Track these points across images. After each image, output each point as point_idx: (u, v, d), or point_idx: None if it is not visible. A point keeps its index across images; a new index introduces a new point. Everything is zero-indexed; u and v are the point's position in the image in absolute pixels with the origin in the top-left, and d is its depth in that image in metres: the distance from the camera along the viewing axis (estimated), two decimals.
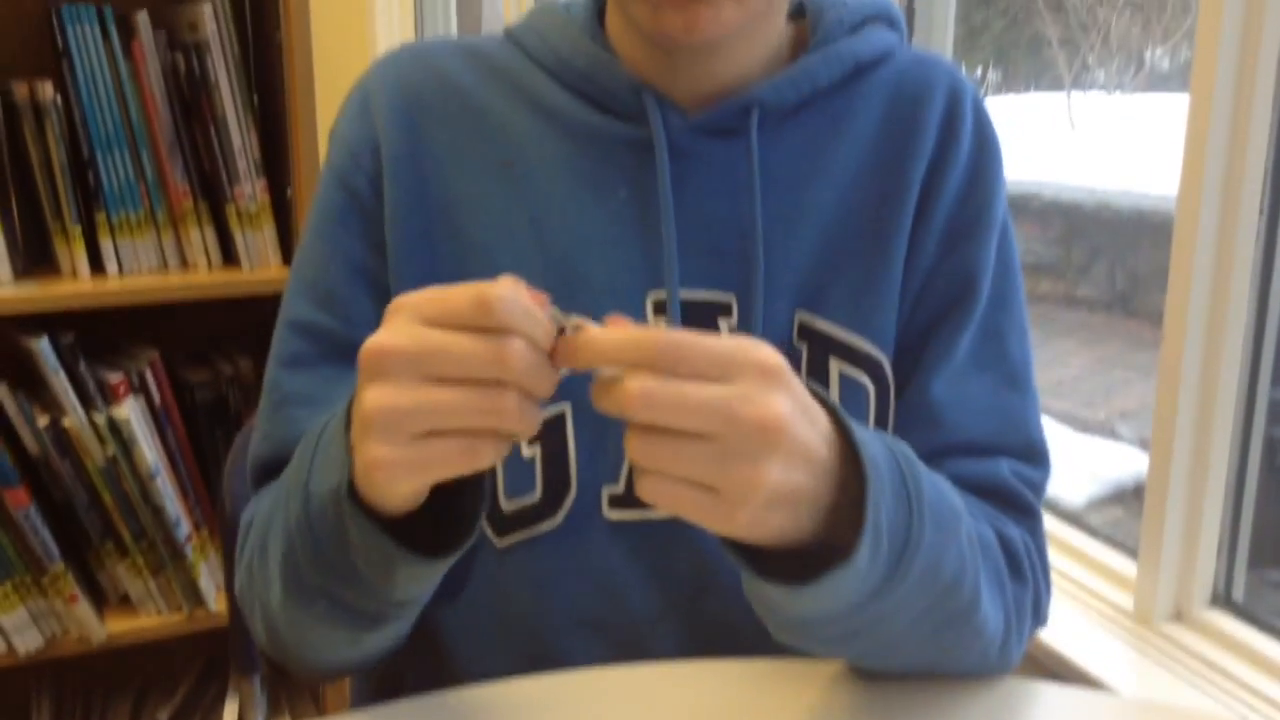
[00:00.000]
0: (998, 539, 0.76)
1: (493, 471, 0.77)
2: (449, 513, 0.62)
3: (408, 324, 0.54)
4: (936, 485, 0.66)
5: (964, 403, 0.80)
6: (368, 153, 0.80)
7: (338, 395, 0.78)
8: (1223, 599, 1.21)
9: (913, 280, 0.81)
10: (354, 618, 0.67)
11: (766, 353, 0.55)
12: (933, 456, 0.78)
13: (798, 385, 0.56)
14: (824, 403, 0.60)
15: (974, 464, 0.79)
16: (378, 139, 0.80)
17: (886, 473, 0.60)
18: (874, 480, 0.58)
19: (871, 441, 0.60)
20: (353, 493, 0.59)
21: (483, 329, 0.53)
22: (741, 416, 0.53)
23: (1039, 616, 0.81)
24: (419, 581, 0.64)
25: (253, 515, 0.79)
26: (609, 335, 0.53)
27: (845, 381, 0.79)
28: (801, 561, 0.59)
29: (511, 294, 0.53)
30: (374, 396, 0.54)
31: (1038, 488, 0.82)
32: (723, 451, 0.53)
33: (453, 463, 0.54)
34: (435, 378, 0.53)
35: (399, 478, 0.55)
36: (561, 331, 0.54)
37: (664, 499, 0.54)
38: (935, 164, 0.81)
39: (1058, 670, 1.21)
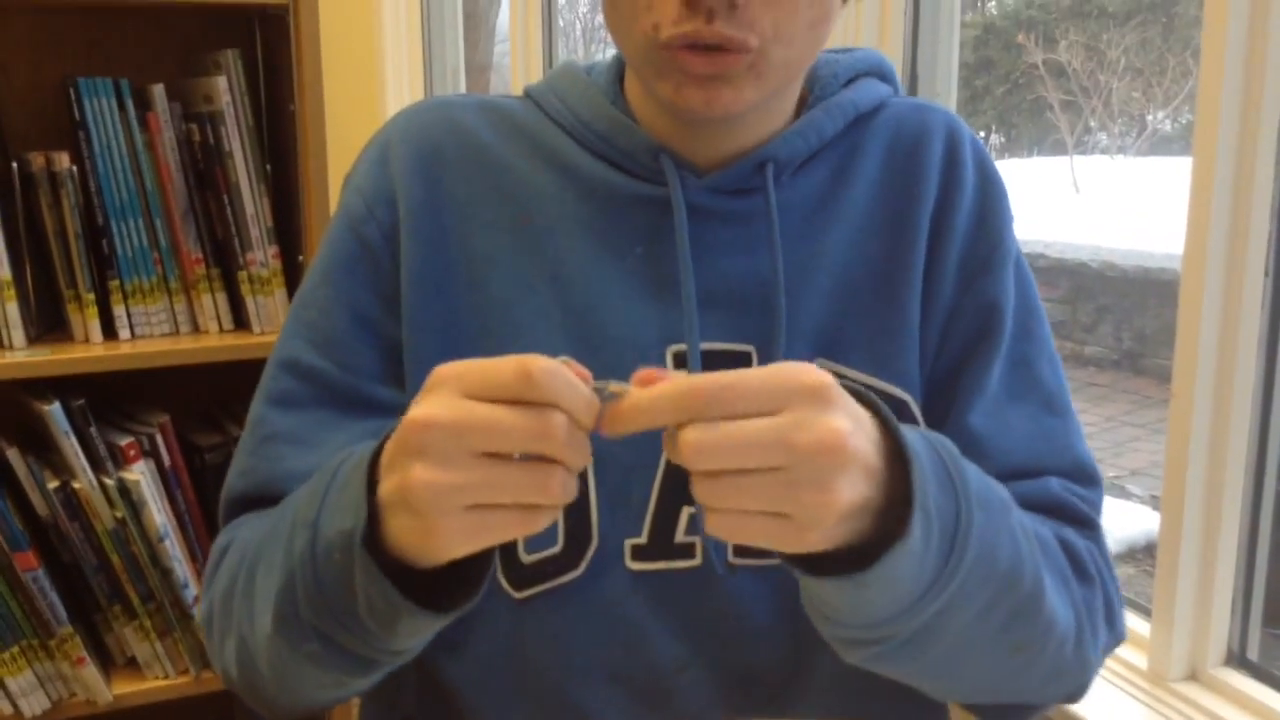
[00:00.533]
0: (1058, 541, 0.75)
1: None
2: (457, 570, 0.62)
3: (450, 396, 0.54)
4: (981, 475, 0.66)
5: (1004, 431, 0.80)
6: (383, 204, 0.81)
7: (326, 440, 0.78)
8: (1237, 658, 1.19)
9: (933, 320, 0.82)
10: (345, 661, 0.66)
11: (810, 373, 0.55)
12: None
13: (846, 397, 0.57)
14: (864, 401, 0.60)
15: (1023, 486, 0.78)
16: (395, 191, 0.81)
17: (928, 460, 0.60)
18: (917, 465, 0.59)
19: (910, 433, 0.61)
20: (366, 540, 0.59)
21: (525, 402, 0.53)
22: (801, 444, 0.53)
23: (1114, 626, 0.79)
24: (419, 634, 0.64)
25: (228, 542, 0.78)
26: (653, 395, 0.53)
27: None
28: (855, 559, 0.58)
29: (555, 366, 0.53)
30: (419, 474, 0.54)
31: (1093, 504, 0.81)
32: (790, 480, 0.53)
33: (509, 530, 0.55)
34: (479, 452, 0.53)
35: (457, 544, 0.56)
36: (600, 398, 0.54)
37: (737, 533, 0.55)
38: (941, 205, 0.83)
39: None
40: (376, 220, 0.81)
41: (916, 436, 0.61)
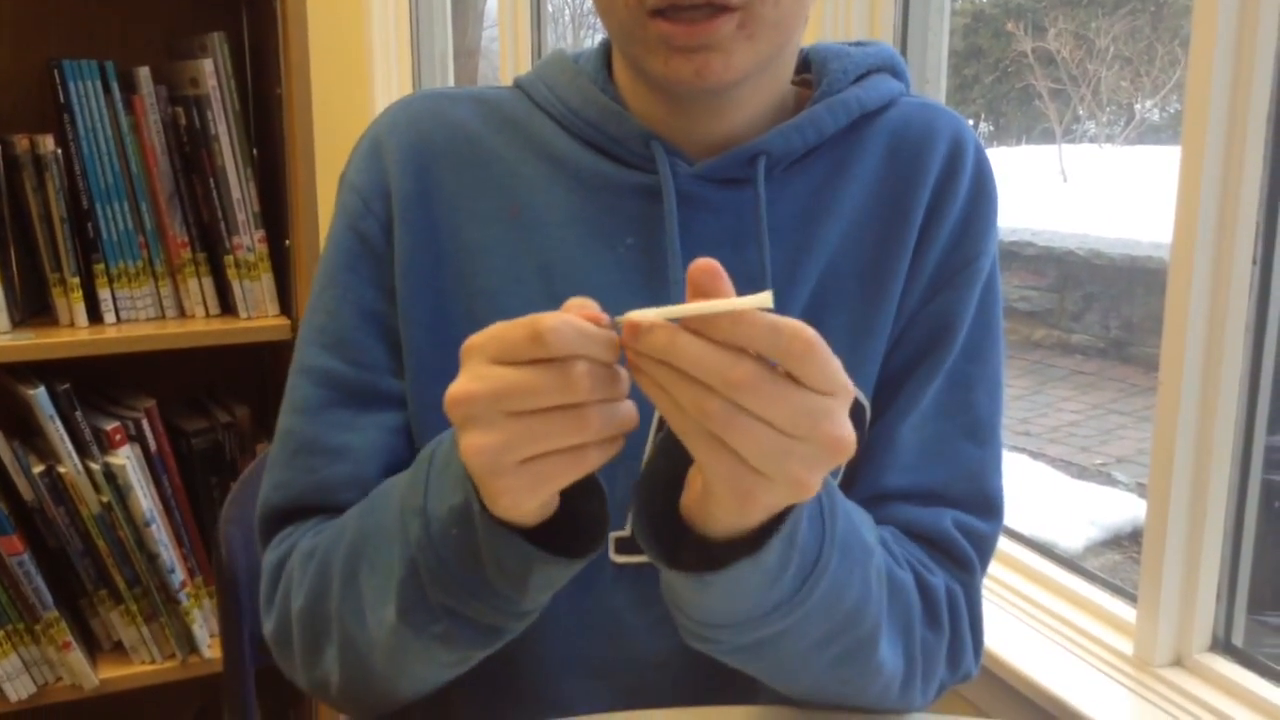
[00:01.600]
0: (917, 585, 0.77)
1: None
2: (571, 520, 0.64)
3: (479, 365, 0.56)
4: (851, 518, 0.68)
5: (919, 448, 0.81)
6: (378, 198, 0.81)
7: (349, 443, 0.79)
8: (1222, 644, 1.20)
9: (898, 323, 0.82)
10: (475, 634, 0.68)
11: (845, 376, 0.56)
12: (879, 497, 0.80)
13: None
14: None
15: (918, 511, 0.81)
16: (388, 184, 0.81)
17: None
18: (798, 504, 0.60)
19: None
20: (482, 504, 0.61)
21: (545, 360, 0.54)
22: (823, 430, 0.54)
23: (957, 667, 0.81)
24: (551, 586, 0.65)
25: (284, 556, 0.78)
26: (764, 318, 0.53)
27: None
28: (708, 559, 0.60)
29: (561, 321, 0.54)
30: (468, 442, 0.56)
31: (984, 540, 0.83)
32: (790, 449, 0.54)
33: (567, 473, 0.56)
34: (516, 412, 0.54)
35: (523, 499, 0.57)
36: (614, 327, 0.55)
37: (716, 463, 0.55)
38: (932, 210, 0.82)
39: (1058, 715, 1.20)
40: (374, 214, 0.81)
41: None
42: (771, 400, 0.53)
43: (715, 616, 0.64)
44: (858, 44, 0.87)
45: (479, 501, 0.61)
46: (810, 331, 0.53)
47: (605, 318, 0.55)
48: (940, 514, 0.81)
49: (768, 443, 0.54)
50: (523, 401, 0.54)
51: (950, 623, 0.79)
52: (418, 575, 0.66)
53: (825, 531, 0.64)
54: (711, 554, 0.61)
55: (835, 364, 0.54)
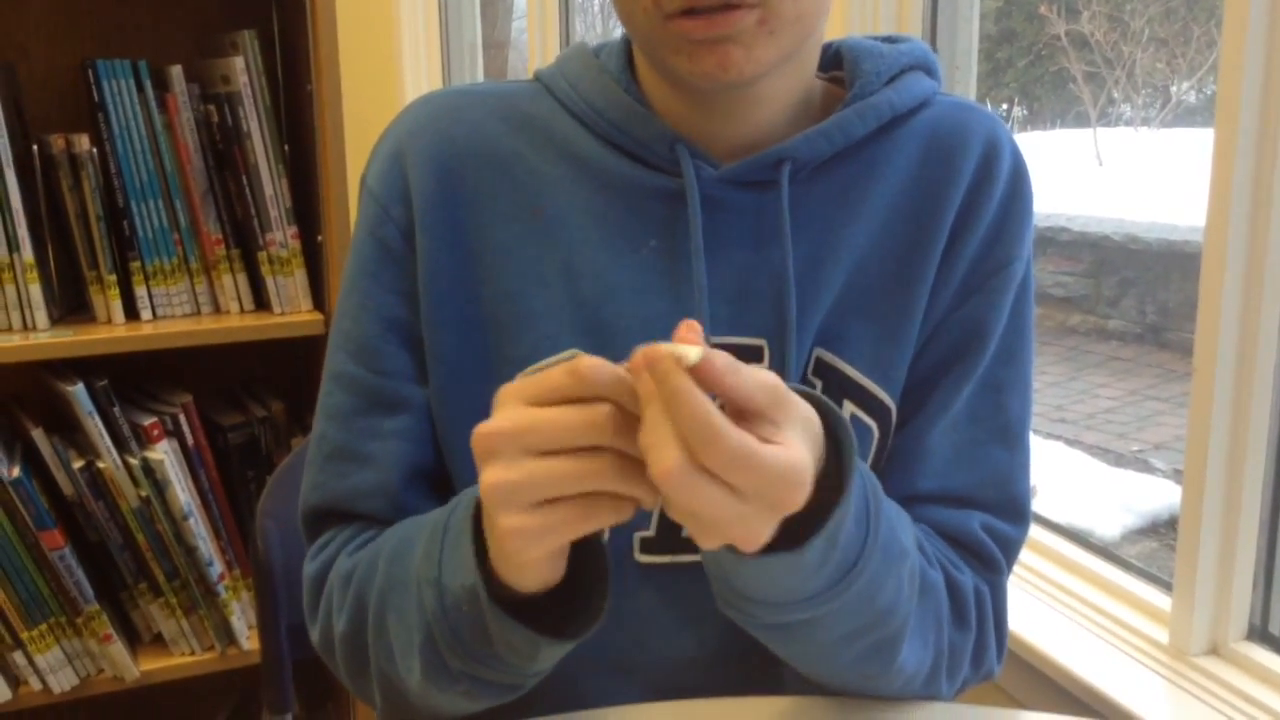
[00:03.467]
0: (946, 584, 0.78)
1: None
2: (579, 591, 0.65)
3: (511, 407, 0.57)
4: (891, 522, 0.68)
5: (951, 453, 0.81)
6: (398, 202, 0.81)
7: (375, 450, 0.80)
8: (1258, 632, 1.19)
9: (926, 326, 0.82)
10: (496, 691, 0.70)
11: (809, 412, 0.57)
12: (910, 499, 0.80)
13: (817, 443, 0.59)
14: (828, 421, 0.61)
15: (947, 512, 0.81)
16: (408, 188, 0.80)
17: (856, 501, 0.62)
18: (844, 505, 0.61)
19: (858, 473, 0.62)
20: (489, 587, 0.62)
21: (579, 399, 0.55)
22: (782, 497, 0.55)
23: (980, 666, 0.82)
24: (561, 654, 0.67)
25: (324, 566, 0.80)
26: (750, 374, 0.55)
27: (855, 423, 0.80)
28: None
29: (600, 362, 0.55)
30: (487, 476, 0.56)
31: (1011, 544, 0.83)
32: (744, 514, 0.55)
33: (574, 523, 0.57)
34: (539, 451, 0.55)
35: (529, 544, 0.58)
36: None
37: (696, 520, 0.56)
38: (964, 213, 0.81)
39: (1093, 705, 1.19)
40: (393, 220, 0.81)
41: (859, 477, 0.63)
42: (748, 467, 0.53)
43: (750, 591, 0.65)
44: (889, 39, 0.86)
45: (485, 588, 0.62)
46: (784, 388, 0.55)
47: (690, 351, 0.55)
48: (969, 516, 0.81)
49: (726, 502, 0.54)
50: (547, 439, 0.55)
51: (977, 622, 0.80)
52: (434, 643, 0.68)
53: (869, 534, 0.64)
54: None
55: (797, 412, 0.56)
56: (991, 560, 0.82)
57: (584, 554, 0.65)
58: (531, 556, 0.59)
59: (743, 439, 0.53)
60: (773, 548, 0.59)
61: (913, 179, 0.82)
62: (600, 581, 0.66)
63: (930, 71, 0.85)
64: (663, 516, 0.78)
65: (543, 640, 0.63)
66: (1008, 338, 0.83)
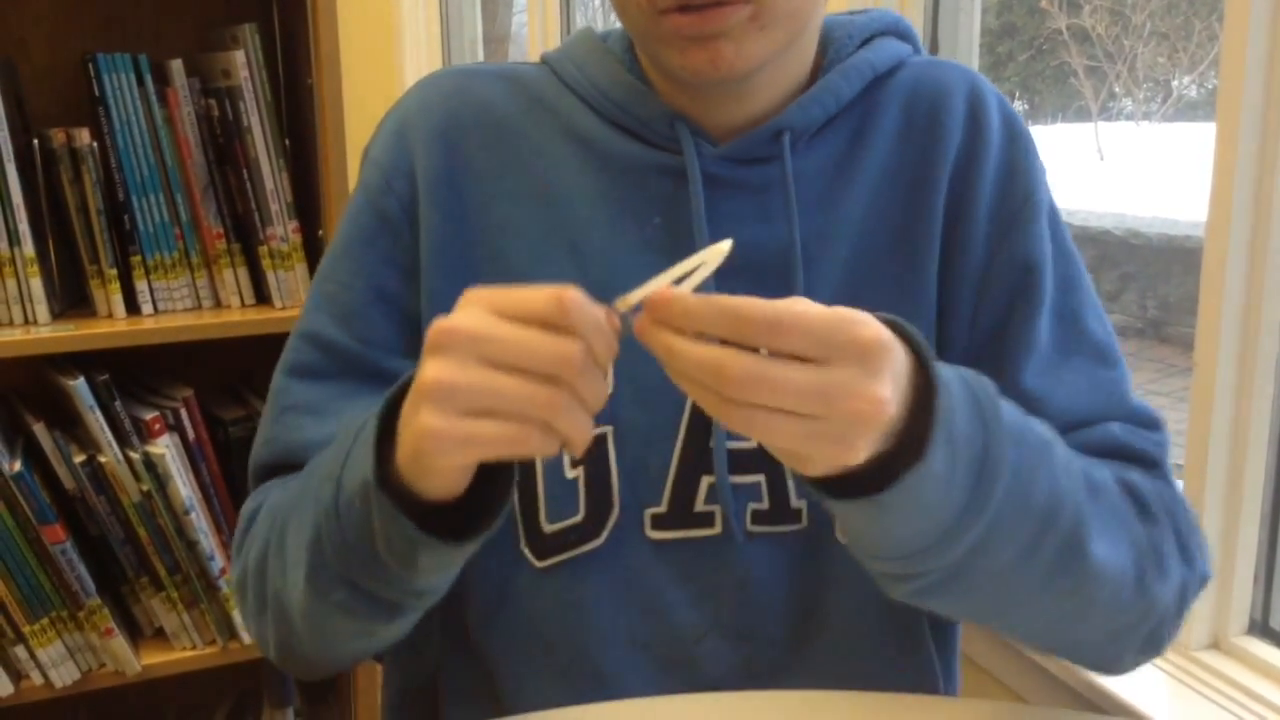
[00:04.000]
0: (1119, 483, 0.74)
1: (526, 473, 0.78)
2: (477, 503, 0.63)
3: (478, 310, 0.55)
4: (1020, 414, 0.66)
5: (1060, 389, 0.79)
6: (402, 177, 0.81)
7: (343, 409, 0.80)
8: (1259, 627, 1.19)
9: (965, 280, 0.81)
10: (372, 607, 0.68)
11: (867, 327, 0.54)
12: None
13: (892, 355, 0.56)
14: (902, 333, 0.59)
15: (1084, 435, 0.78)
16: (413, 163, 0.81)
17: (958, 391, 0.60)
18: (943, 395, 0.58)
19: (944, 368, 0.61)
20: (381, 482, 0.61)
21: (552, 328, 0.54)
22: (840, 406, 0.53)
23: (1192, 564, 0.76)
24: (439, 570, 0.65)
25: (256, 506, 0.80)
26: (705, 301, 0.53)
27: None
28: (876, 480, 0.58)
29: (586, 300, 0.54)
30: (434, 369, 0.55)
31: (1159, 444, 0.80)
32: (817, 431, 0.54)
33: (500, 444, 0.55)
34: (495, 363, 0.54)
35: (446, 450, 0.56)
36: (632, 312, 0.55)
37: (759, 432, 0.55)
38: (963, 163, 0.82)
39: (1094, 699, 1.19)
40: (395, 193, 0.81)
41: (949, 371, 0.61)
42: (773, 388, 0.52)
43: (907, 543, 0.62)
44: (858, 12, 0.87)
45: (375, 477, 0.61)
46: (771, 307, 0.53)
47: (617, 322, 0.55)
48: (1107, 428, 0.79)
49: (787, 428, 0.53)
50: (508, 353, 0.54)
51: (1166, 515, 0.75)
52: (321, 541, 0.66)
53: (986, 423, 0.61)
54: (857, 479, 0.59)
55: (817, 322, 0.53)
56: (1150, 458, 0.79)
57: (489, 472, 0.62)
58: (446, 464, 0.58)
59: (753, 356, 0.52)
60: (894, 476, 0.57)
61: (900, 140, 0.82)
62: (499, 501, 0.64)
63: (901, 35, 0.85)
64: (673, 491, 0.78)
65: (420, 538, 0.61)
66: (1060, 267, 0.82)
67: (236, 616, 1.56)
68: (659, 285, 0.55)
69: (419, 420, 0.56)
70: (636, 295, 0.55)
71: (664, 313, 0.54)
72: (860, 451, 0.55)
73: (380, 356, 0.81)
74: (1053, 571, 0.66)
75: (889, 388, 0.55)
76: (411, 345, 0.81)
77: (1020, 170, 0.82)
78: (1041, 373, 0.80)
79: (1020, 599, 0.68)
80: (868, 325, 0.55)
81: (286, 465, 0.80)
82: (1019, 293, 0.81)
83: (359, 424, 0.67)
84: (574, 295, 0.54)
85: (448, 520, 0.62)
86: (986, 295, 0.81)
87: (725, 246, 0.54)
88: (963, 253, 0.81)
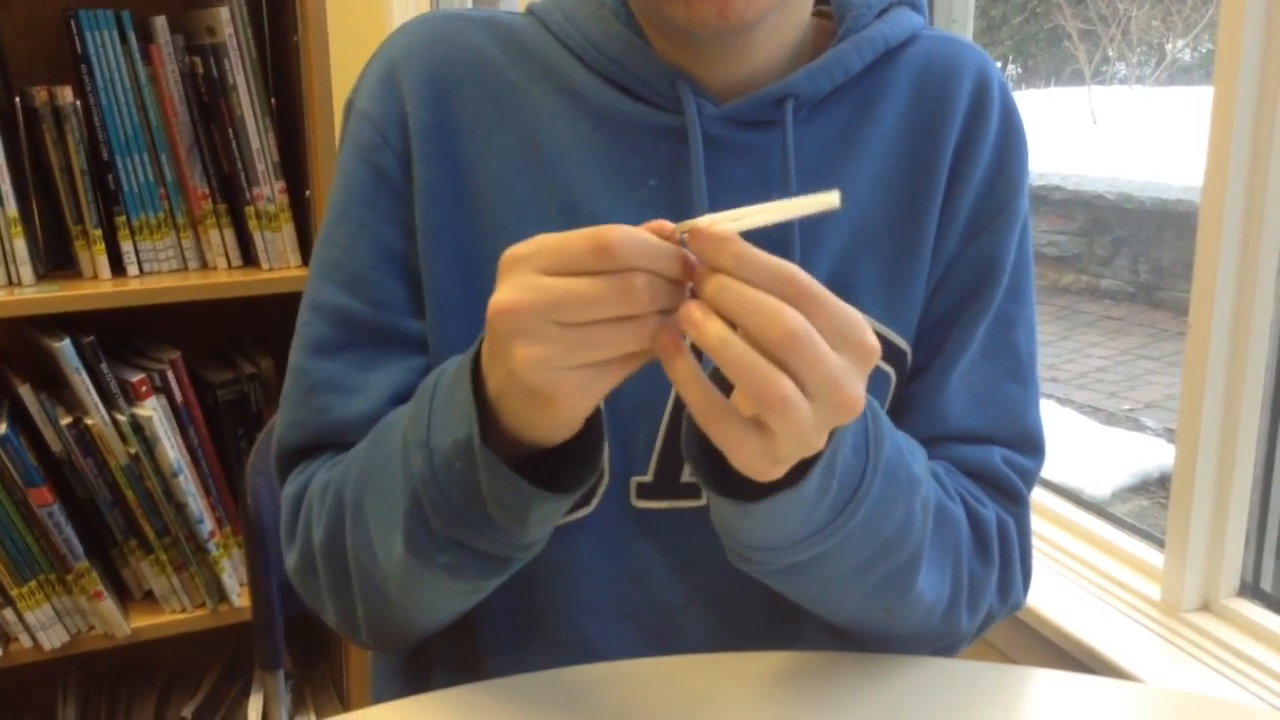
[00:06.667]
0: (969, 517, 0.78)
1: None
2: (570, 455, 0.64)
3: (526, 276, 0.55)
4: (899, 450, 0.68)
5: (969, 393, 0.82)
6: (395, 128, 0.78)
7: (366, 381, 0.78)
8: (1250, 588, 1.19)
9: (936, 267, 0.81)
10: (481, 564, 0.68)
11: (870, 335, 0.55)
12: (932, 440, 0.80)
13: None
14: None
15: (968, 449, 0.81)
16: (404, 113, 0.78)
17: (852, 426, 0.62)
18: (839, 433, 0.61)
19: None
20: (484, 441, 0.61)
21: (604, 271, 0.53)
22: (843, 393, 0.54)
23: (1006, 597, 0.82)
24: (550, 520, 0.66)
25: (301, 489, 0.78)
26: (760, 257, 0.53)
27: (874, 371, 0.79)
28: (750, 489, 0.61)
29: (628, 232, 0.53)
30: (522, 353, 0.55)
31: (1030, 475, 0.84)
32: (818, 418, 0.54)
33: (618, 373, 0.56)
34: (571, 323, 0.54)
35: (584, 397, 0.57)
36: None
37: (733, 446, 0.55)
38: (962, 149, 0.81)
39: (1085, 660, 1.20)
40: (391, 146, 0.78)
41: None
42: (815, 354, 0.52)
43: (758, 540, 0.65)
44: None
45: (480, 438, 0.61)
46: (811, 279, 0.53)
47: (672, 227, 0.54)
48: (990, 451, 0.82)
49: (802, 411, 0.53)
50: (581, 313, 0.53)
51: (1001, 554, 0.80)
52: (421, 508, 0.66)
53: (869, 459, 0.64)
54: (739, 483, 0.61)
55: (841, 311, 0.54)
56: (1014, 492, 0.82)
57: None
58: (587, 406, 0.58)
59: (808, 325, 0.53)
60: (772, 489, 0.59)
61: (908, 116, 0.81)
62: (593, 449, 0.65)
63: (915, 6, 0.84)
64: (660, 460, 0.78)
65: (533, 492, 0.62)
66: (1014, 274, 0.83)
67: (226, 579, 1.56)
68: (730, 216, 0.54)
69: (546, 391, 0.56)
70: (705, 220, 0.54)
71: (714, 250, 0.53)
72: (821, 443, 0.56)
73: (396, 318, 0.79)
74: (879, 588, 0.71)
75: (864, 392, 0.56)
76: (421, 305, 0.79)
77: (1009, 173, 0.82)
78: (962, 374, 0.81)
79: (840, 601, 0.73)
80: (869, 330, 0.55)
81: (320, 446, 0.79)
82: (974, 293, 0.82)
83: (429, 388, 0.66)
84: (615, 235, 0.53)
85: (546, 471, 0.62)
86: (944, 289, 0.82)
87: (834, 199, 0.54)
88: (942, 240, 0.81)
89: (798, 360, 0.52)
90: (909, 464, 0.69)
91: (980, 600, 0.79)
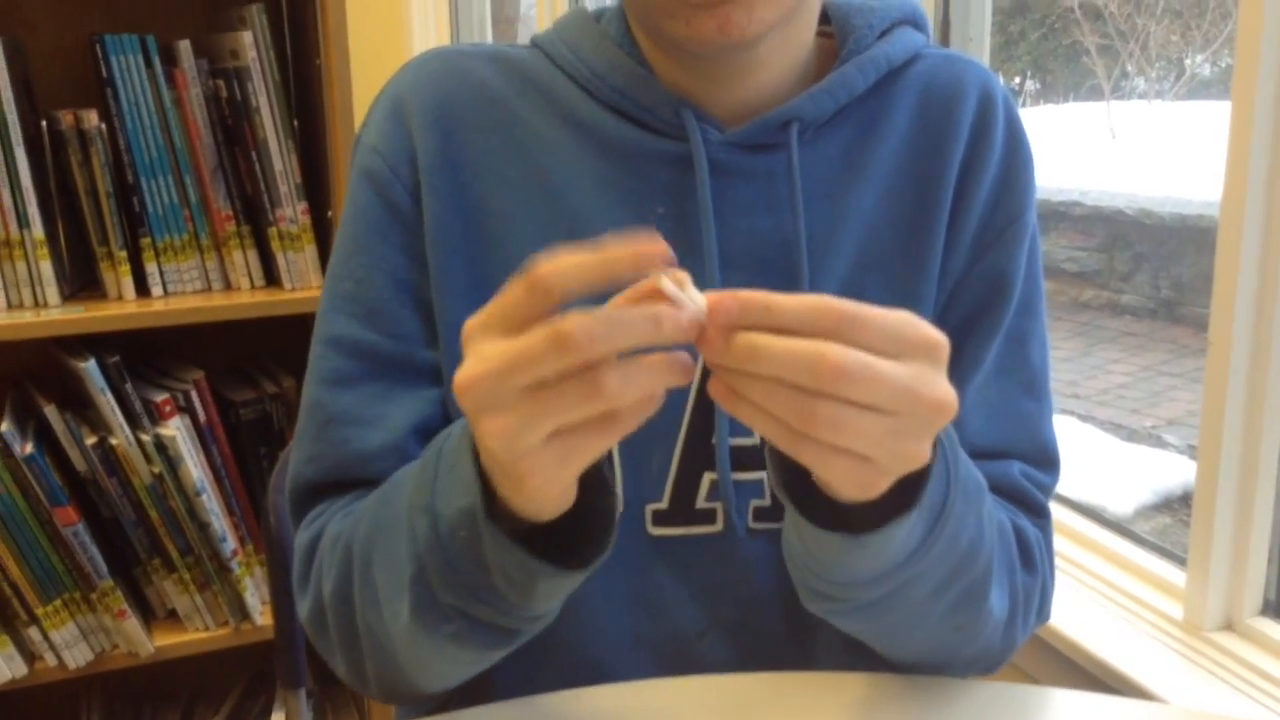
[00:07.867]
0: (1013, 528, 0.78)
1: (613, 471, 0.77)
2: (583, 524, 0.62)
3: (482, 344, 0.52)
4: (967, 461, 0.67)
5: (986, 410, 0.81)
6: (405, 162, 0.79)
7: (385, 413, 0.78)
8: (1274, 607, 1.18)
9: (945, 283, 0.81)
10: (488, 635, 0.66)
11: (929, 328, 0.54)
12: None
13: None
14: None
15: (988, 466, 0.80)
16: (414, 148, 0.79)
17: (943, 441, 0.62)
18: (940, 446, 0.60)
19: None
20: (488, 512, 0.59)
21: (544, 313, 0.50)
22: (924, 397, 0.52)
23: (1043, 611, 0.83)
24: (558, 594, 0.64)
25: (315, 536, 0.77)
26: (791, 300, 0.52)
27: None
28: (858, 519, 0.59)
29: (557, 266, 0.50)
30: (485, 428, 0.52)
31: (1048, 490, 0.84)
32: (898, 428, 0.53)
33: (593, 444, 0.53)
34: (527, 387, 0.51)
35: (552, 478, 0.54)
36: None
37: (820, 465, 0.54)
38: (967, 166, 0.81)
39: (1107, 680, 1.19)
40: (401, 180, 0.79)
41: None
42: (875, 377, 0.51)
43: (857, 575, 0.63)
44: None
45: (484, 509, 0.59)
46: (845, 302, 0.52)
47: (686, 281, 0.52)
48: (1009, 465, 0.81)
49: (877, 428, 0.52)
50: (529, 373, 0.50)
51: (1040, 565, 0.80)
52: (426, 575, 0.64)
53: (950, 474, 0.63)
54: (846, 513, 0.59)
55: (889, 318, 0.52)
56: (1037, 505, 0.82)
57: (589, 485, 0.60)
58: (556, 489, 0.56)
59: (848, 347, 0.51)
60: (882, 521, 0.58)
61: (912, 135, 0.81)
62: (606, 517, 0.63)
63: (918, 25, 0.84)
64: (675, 487, 0.78)
65: (539, 567, 0.60)
66: (1025, 288, 0.82)
67: (248, 597, 1.57)
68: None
69: (513, 469, 0.54)
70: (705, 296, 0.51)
71: (740, 314, 0.51)
72: (928, 450, 0.55)
73: (413, 349, 0.79)
74: (953, 607, 0.69)
75: (950, 385, 0.55)
76: (434, 335, 0.79)
77: (1016, 187, 0.82)
78: (977, 389, 0.81)
79: (916, 629, 0.70)
80: (926, 325, 0.54)
81: (336, 483, 0.78)
82: (985, 309, 0.81)
83: (435, 450, 0.65)
84: (545, 271, 0.50)
85: (556, 540, 0.61)
86: (955, 306, 0.82)
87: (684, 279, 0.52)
88: (950, 257, 0.81)
89: (859, 388, 0.51)
90: (974, 472, 0.68)
91: (1030, 612, 0.79)
